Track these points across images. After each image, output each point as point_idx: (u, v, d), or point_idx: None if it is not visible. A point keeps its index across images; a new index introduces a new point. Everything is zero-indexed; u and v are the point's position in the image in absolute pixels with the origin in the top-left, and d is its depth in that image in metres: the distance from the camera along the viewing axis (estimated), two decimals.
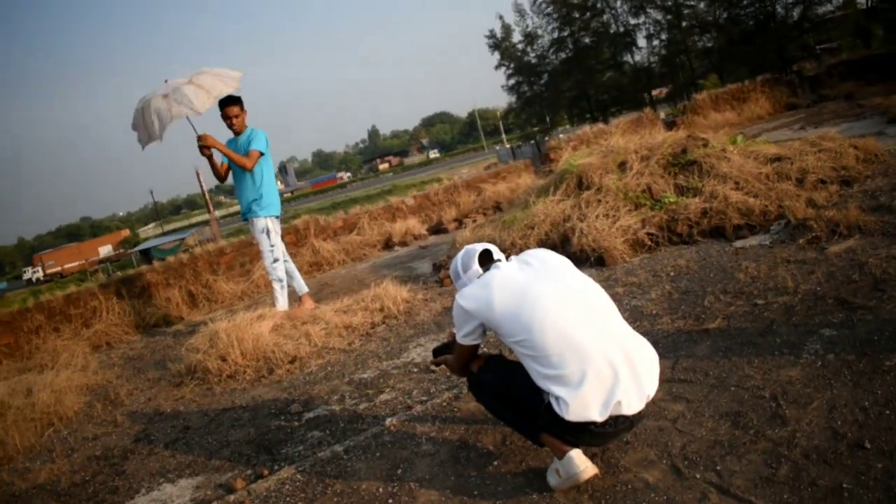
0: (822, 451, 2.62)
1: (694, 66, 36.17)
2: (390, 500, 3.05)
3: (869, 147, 7.43)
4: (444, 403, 3.99)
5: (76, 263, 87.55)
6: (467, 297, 2.84)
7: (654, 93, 39.16)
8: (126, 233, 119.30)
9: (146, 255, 44.92)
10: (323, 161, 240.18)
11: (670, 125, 16.80)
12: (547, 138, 33.00)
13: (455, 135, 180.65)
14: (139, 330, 9.36)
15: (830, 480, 2.44)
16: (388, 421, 3.90)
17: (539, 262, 2.85)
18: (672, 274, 5.46)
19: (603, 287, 2.86)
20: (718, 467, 2.67)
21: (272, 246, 6.94)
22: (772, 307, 4.17)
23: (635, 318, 4.67)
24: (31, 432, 5.44)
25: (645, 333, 3.44)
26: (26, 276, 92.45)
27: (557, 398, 2.57)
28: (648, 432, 3.06)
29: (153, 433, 4.93)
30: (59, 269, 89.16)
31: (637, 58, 37.43)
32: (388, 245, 11.79)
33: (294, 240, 11.25)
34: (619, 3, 36.15)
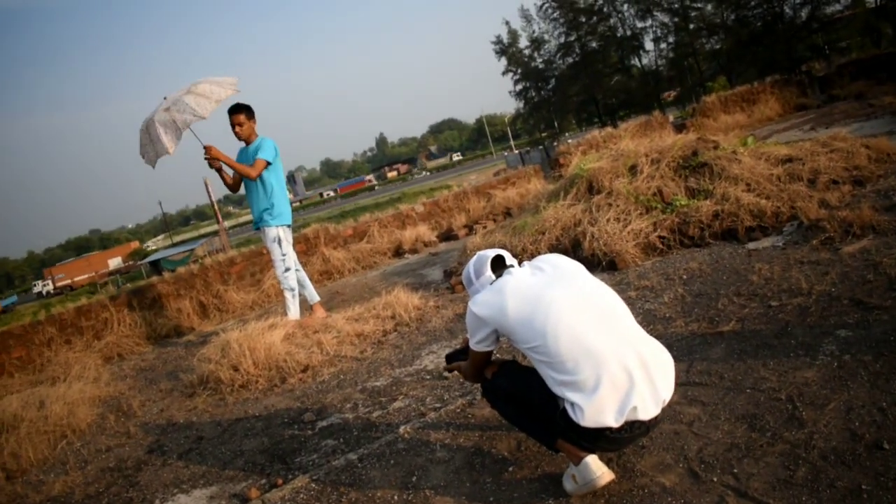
0: (841, 452, 2.60)
1: (702, 68, 36.13)
2: None
3: (881, 146, 7.39)
4: (458, 410, 3.97)
5: (86, 276, 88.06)
6: (480, 304, 2.82)
7: (663, 96, 39.09)
8: (135, 244, 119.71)
9: (156, 267, 45.09)
10: (331, 170, 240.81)
11: (680, 128, 16.77)
12: (555, 143, 33.02)
13: (463, 141, 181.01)
14: (151, 341, 9.38)
15: (849, 482, 2.42)
16: (401, 428, 3.89)
17: (552, 268, 2.83)
18: (685, 277, 5.43)
19: (615, 291, 2.84)
20: (735, 470, 2.65)
21: (284, 255, 6.94)
22: (786, 309, 4.14)
23: (648, 321, 4.64)
24: (45, 445, 5.45)
25: (658, 337, 3.42)
26: (36, 290, 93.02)
27: (573, 404, 2.55)
28: (664, 436, 3.04)
29: (166, 444, 4.92)
30: (69, 281, 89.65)
31: (645, 61, 37.50)
32: (398, 252, 11.79)
33: (304, 248, 11.27)
34: (625, 7, 36.24)
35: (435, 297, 7.18)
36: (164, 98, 7.04)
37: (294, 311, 6.96)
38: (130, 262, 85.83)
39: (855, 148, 7.30)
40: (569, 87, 39.25)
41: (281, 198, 7.02)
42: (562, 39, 39.05)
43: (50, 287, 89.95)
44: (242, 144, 7.04)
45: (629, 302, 5.08)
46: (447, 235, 12.30)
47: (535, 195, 9.74)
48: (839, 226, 5.33)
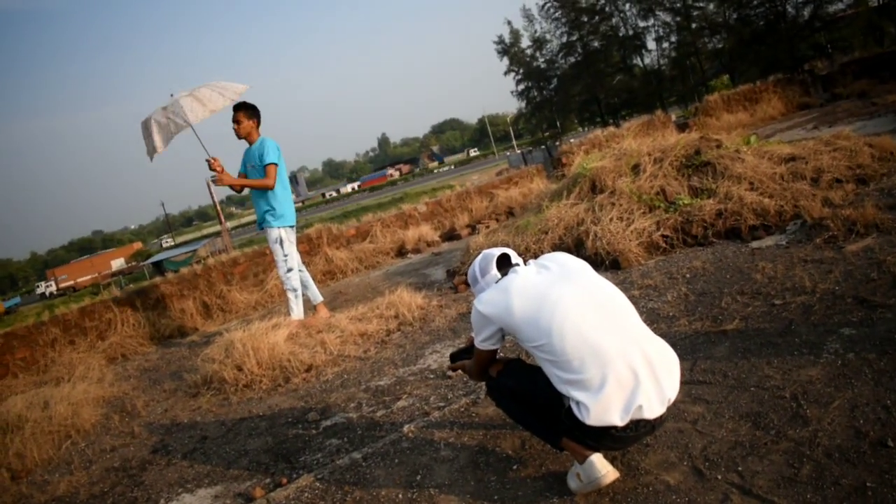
0: (845, 450, 2.60)
1: (704, 67, 36.10)
2: None
3: (884, 145, 7.38)
4: (462, 409, 3.98)
5: (89, 277, 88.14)
6: (486, 303, 2.82)
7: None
8: (138, 245, 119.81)
9: (158, 268, 45.11)
10: (333, 170, 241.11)
11: (682, 127, 16.77)
12: (558, 143, 33.02)
13: (465, 141, 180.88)
14: (154, 341, 9.39)
15: (854, 480, 2.42)
16: (405, 427, 3.89)
17: (558, 266, 2.83)
18: (688, 276, 5.43)
19: (619, 290, 2.84)
20: (740, 468, 2.65)
21: (286, 256, 6.95)
22: (790, 307, 4.14)
23: (652, 320, 4.64)
24: (49, 445, 5.46)
25: (662, 335, 3.42)
26: (39, 291, 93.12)
27: (578, 403, 2.55)
28: (669, 434, 3.04)
29: (171, 444, 4.93)
30: (71, 282, 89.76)
31: (647, 60, 37.46)
32: (401, 252, 11.79)
33: (307, 248, 11.27)
34: (627, 7, 36.19)
35: (438, 297, 7.18)
36: (171, 95, 7.14)
37: (297, 311, 6.96)
38: (133, 263, 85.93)
39: (858, 146, 7.29)
40: (571, 86, 39.25)
41: (283, 199, 7.03)
42: (564, 39, 39.09)
43: (53, 288, 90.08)
44: (246, 144, 7.05)
45: (633, 301, 5.04)
46: (450, 235, 12.30)
47: (537, 195, 9.74)
48: (843, 224, 5.33)
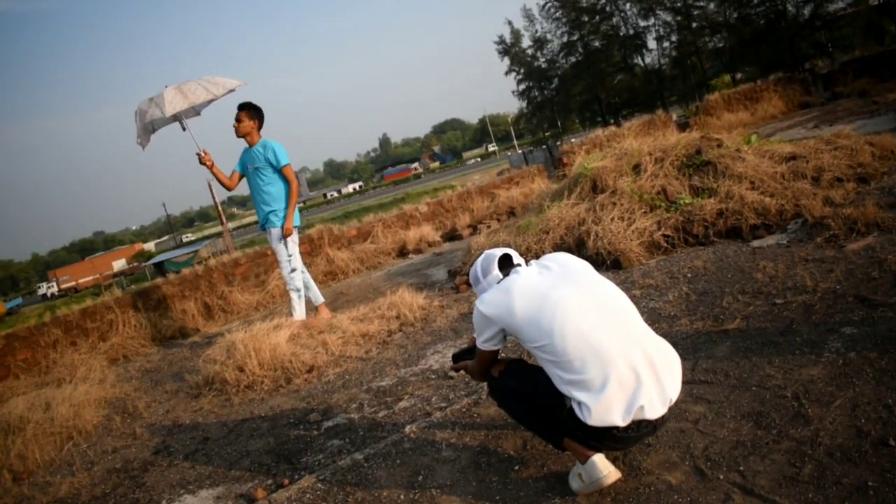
0: (847, 449, 2.60)
1: (705, 66, 36.09)
2: None
3: (885, 144, 7.38)
4: (464, 409, 3.98)
5: (90, 278, 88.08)
6: (487, 303, 2.82)
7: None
8: (139, 246, 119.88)
9: (160, 269, 45.10)
10: (335, 170, 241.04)
11: (683, 126, 16.77)
12: (559, 143, 33.01)
13: (466, 141, 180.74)
14: (156, 342, 9.40)
15: (855, 479, 2.42)
16: (407, 428, 3.89)
17: (559, 266, 2.83)
18: (689, 275, 5.43)
19: (620, 290, 2.84)
20: (742, 468, 2.65)
21: (290, 256, 6.96)
22: (791, 306, 4.14)
23: (653, 320, 4.64)
24: (51, 446, 5.46)
25: (663, 335, 3.41)
26: (41, 292, 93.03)
27: (580, 403, 2.55)
28: (670, 434, 3.04)
29: (172, 445, 4.93)
30: (73, 283, 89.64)
31: (648, 60, 37.43)
32: (402, 253, 11.79)
33: (308, 249, 11.27)
34: (628, 6, 36.18)
35: (439, 297, 7.19)
36: (165, 86, 7.25)
37: (299, 312, 6.97)
38: (135, 264, 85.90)
39: (859, 145, 7.29)
40: (572, 86, 39.26)
41: (287, 200, 7.05)
42: (564, 39, 39.07)
43: (54, 289, 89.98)
44: (245, 145, 7.08)
45: (634, 300, 5.03)
46: (451, 235, 12.30)
47: (538, 195, 9.75)
48: (843, 223, 5.33)
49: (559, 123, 44.16)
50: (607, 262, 6.41)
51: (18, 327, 9.50)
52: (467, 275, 4.30)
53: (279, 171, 6.94)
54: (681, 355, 2.78)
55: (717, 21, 32.72)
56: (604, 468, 2.66)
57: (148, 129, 7.36)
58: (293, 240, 6.99)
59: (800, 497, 2.40)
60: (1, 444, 5.45)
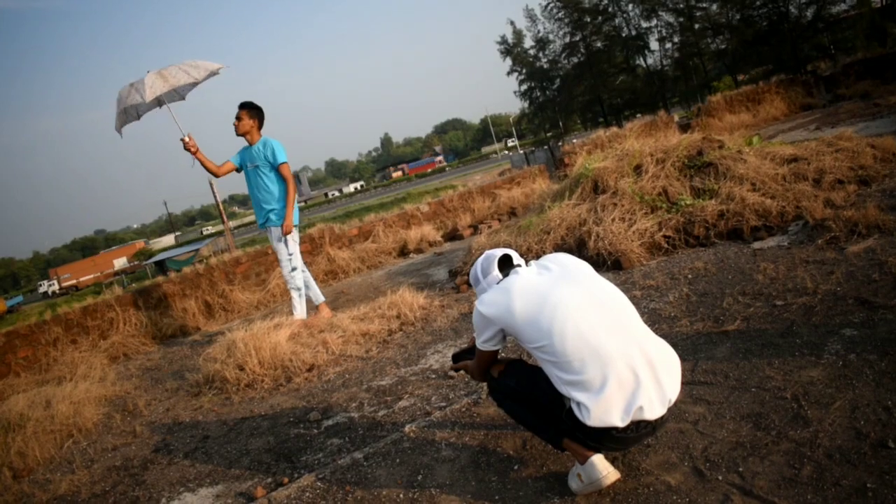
0: (846, 451, 2.60)
1: (707, 68, 36.04)
2: None
3: (887, 146, 7.38)
4: (463, 409, 3.98)
5: (91, 276, 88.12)
6: (487, 304, 2.82)
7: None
8: (140, 245, 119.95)
9: (161, 267, 45.12)
10: (336, 170, 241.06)
11: (685, 128, 16.77)
12: (560, 143, 33.00)
13: (468, 141, 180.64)
14: (156, 341, 9.40)
15: (854, 480, 2.42)
16: (407, 427, 3.90)
17: (559, 267, 2.83)
18: (690, 276, 5.43)
19: (620, 291, 2.84)
20: (741, 469, 2.65)
21: (290, 255, 6.97)
22: (791, 308, 4.14)
23: (653, 320, 4.65)
24: (51, 444, 5.47)
25: (663, 336, 3.42)
26: (42, 290, 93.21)
27: (579, 404, 2.55)
28: (669, 435, 3.04)
29: (172, 443, 4.94)
30: (74, 281, 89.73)
31: (650, 61, 37.33)
32: (403, 252, 11.80)
33: (309, 248, 11.28)
34: (630, 7, 36.09)
35: (440, 297, 7.19)
36: (147, 72, 7.26)
37: (300, 311, 6.98)
38: (136, 263, 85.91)
39: (860, 147, 7.28)
40: (574, 87, 39.15)
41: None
42: (567, 39, 38.90)
43: (55, 287, 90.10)
44: (245, 143, 7.09)
45: (634, 301, 5.07)
46: (452, 235, 12.31)
47: (540, 195, 9.75)
48: (844, 225, 5.33)
49: (561, 124, 44.06)
50: (608, 263, 6.41)
51: (19, 325, 9.51)
52: (468, 275, 4.30)
53: (281, 169, 6.95)
54: (681, 356, 2.79)
55: (720, 22, 32.64)
56: (603, 469, 2.66)
57: (130, 114, 7.35)
58: (293, 239, 7.00)
59: (798, 498, 2.41)
60: (1, 441, 5.46)
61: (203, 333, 9.20)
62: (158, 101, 7.38)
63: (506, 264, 3.00)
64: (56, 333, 9.25)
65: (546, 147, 39.71)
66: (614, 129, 16.76)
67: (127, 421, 5.83)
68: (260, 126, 7.07)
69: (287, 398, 5.26)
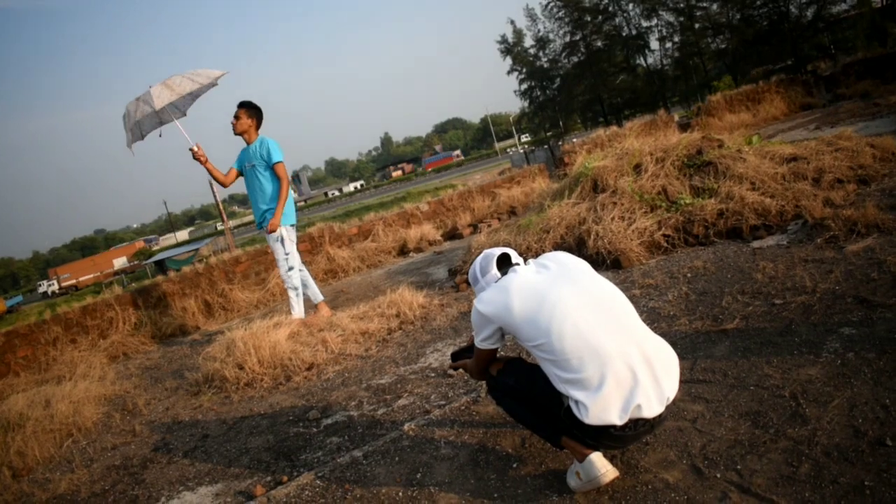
0: (844, 449, 2.60)
1: (707, 67, 36.04)
2: None
3: (886, 145, 7.38)
4: (462, 407, 3.98)
5: (91, 276, 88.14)
6: (485, 302, 2.83)
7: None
8: (140, 244, 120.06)
9: (161, 267, 45.12)
10: (336, 169, 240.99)
11: (685, 127, 16.76)
12: (560, 143, 33.01)
13: (468, 140, 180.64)
14: (156, 340, 9.41)
15: (852, 478, 2.42)
16: (406, 426, 3.90)
17: (557, 265, 2.83)
18: (689, 275, 5.43)
19: (620, 289, 2.84)
20: (739, 466, 2.66)
21: (287, 254, 6.97)
22: (790, 307, 4.14)
23: (653, 319, 4.65)
24: (51, 443, 5.48)
25: (663, 335, 3.43)
26: (41, 290, 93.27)
27: (577, 402, 2.56)
28: (668, 433, 3.04)
29: (172, 442, 4.94)
30: (74, 281, 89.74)
31: (650, 60, 37.32)
32: (403, 251, 11.81)
33: (309, 247, 11.29)
34: (630, 6, 36.08)
35: (440, 296, 7.19)
36: (150, 87, 7.30)
37: (298, 310, 6.98)
38: (136, 262, 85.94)
39: (860, 147, 7.29)
40: (574, 86, 39.13)
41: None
42: (567, 39, 38.86)
43: (55, 287, 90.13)
44: (243, 144, 7.11)
45: (633, 300, 5.09)
46: (452, 234, 12.32)
47: (539, 194, 9.76)
48: (844, 224, 5.33)
49: (561, 123, 44.06)
50: (607, 262, 6.41)
51: (19, 324, 9.53)
52: (467, 274, 4.31)
53: (276, 169, 6.96)
54: (679, 354, 2.79)
55: (720, 22, 32.64)
56: (601, 466, 2.66)
57: (136, 131, 7.39)
58: (290, 238, 7.01)
59: (796, 496, 2.41)
60: (1, 440, 5.46)
61: (202, 332, 9.21)
62: (160, 121, 7.46)
63: (504, 263, 3.00)
64: (55, 333, 9.27)
65: (546, 146, 39.70)
66: (614, 128, 16.75)
67: (126, 420, 5.84)
68: (258, 126, 7.08)
69: (286, 397, 5.26)
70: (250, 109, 7.03)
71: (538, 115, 44.24)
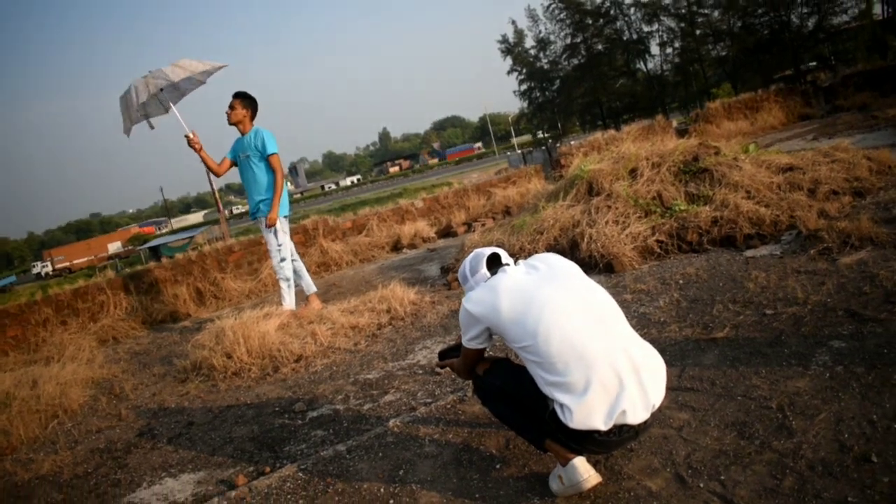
0: (828, 463, 2.59)
1: (707, 74, 36.10)
2: (391, 501, 3.03)
3: (882, 158, 7.39)
4: (449, 406, 3.97)
5: (85, 259, 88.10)
6: (474, 301, 2.81)
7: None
8: (135, 229, 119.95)
9: (155, 253, 45.06)
10: (333, 163, 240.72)
11: (682, 133, 16.79)
12: (558, 144, 33.03)
13: (466, 139, 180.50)
14: (146, 325, 9.39)
15: (835, 493, 2.41)
16: (391, 422, 3.89)
17: (546, 267, 2.82)
18: (681, 282, 5.43)
19: (611, 294, 2.83)
20: (722, 477, 2.65)
21: (279, 245, 6.96)
22: (781, 317, 4.14)
23: (643, 325, 4.64)
24: (36, 424, 5.46)
25: (652, 341, 3.40)
26: (35, 271, 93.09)
27: (562, 405, 2.54)
28: (653, 440, 3.04)
29: (157, 428, 4.93)
30: (67, 264, 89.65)
31: (650, 65, 37.38)
32: (396, 247, 11.80)
33: (303, 240, 11.27)
34: (632, 11, 36.17)
35: (431, 293, 7.18)
36: (149, 71, 7.30)
37: (289, 301, 6.97)
38: (130, 247, 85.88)
39: (856, 159, 7.29)
40: (573, 88, 39.22)
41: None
42: (568, 41, 38.95)
43: (49, 268, 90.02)
44: (238, 134, 7.09)
45: (624, 305, 5.08)
46: (446, 232, 12.31)
47: (534, 195, 9.74)
48: (837, 236, 5.33)
49: (560, 125, 44.13)
50: (600, 266, 6.40)
51: (9, 304, 9.50)
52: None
53: (270, 160, 6.94)
54: (668, 362, 2.78)
55: (721, 29, 32.73)
56: (584, 471, 2.65)
57: (138, 112, 7.32)
58: (283, 229, 7.00)
59: None
60: None
61: (193, 320, 9.19)
62: (165, 108, 7.45)
63: (494, 263, 2.99)
64: (46, 314, 9.24)
65: (544, 147, 39.69)
66: (612, 131, 16.77)
67: (113, 404, 5.82)
68: (253, 116, 7.07)
69: (273, 388, 5.25)
70: (245, 100, 7.01)
71: (537, 116, 44.33)
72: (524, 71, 42.10)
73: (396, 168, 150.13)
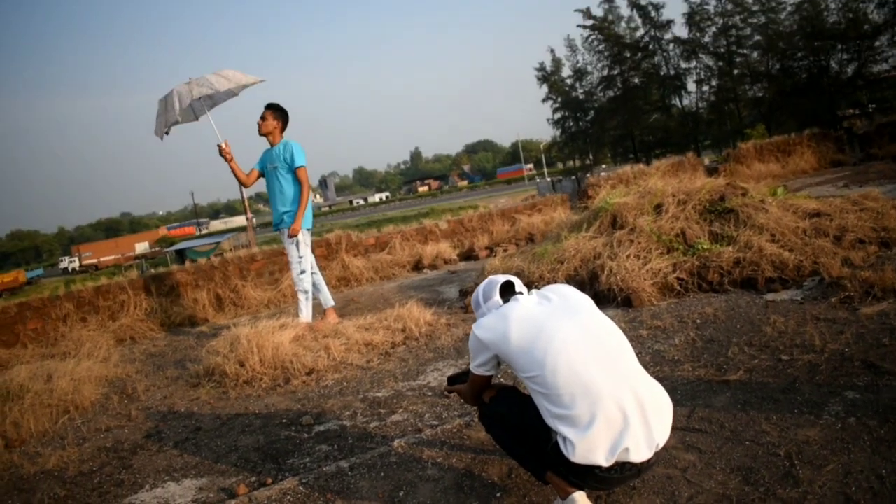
0: None
1: (742, 114, 35.91)
2: None
3: None
4: (455, 430, 3.96)
5: (112, 257, 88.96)
6: (484, 328, 2.81)
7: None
8: (163, 231, 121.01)
9: (181, 256, 45.42)
10: (364, 179, 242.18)
11: (712, 171, 16.68)
12: (588, 175, 32.98)
13: (497, 164, 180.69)
14: (164, 328, 9.47)
15: None
16: (396, 442, 3.88)
17: (559, 298, 2.81)
18: (698, 321, 5.39)
19: (627, 329, 2.82)
20: None
21: (300, 257, 6.99)
22: (796, 364, 4.09)
23: (656, 362, 4.61)
24: (47, 418, 5.52)
25: (664, 379, 3.39)
26: (62, 265, 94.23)
27: (565, 438, 2.53)
28: (656, 480, 3.00)
29: (164, 431, 4.95)
30: (95, 261, 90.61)
31: (686, 101, 37.23)
32: (417, 267, 11.82)
33: (325, 253, 11.32)
34: (671, 46, 36.05)
35: (448, 315, 7.17)
36: (189, 78, 7.36)
37: (306, 314, 6.99)
38: (157, 248, 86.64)
39: (885, 209, 7.21)
40: (607, 120, 39.14)
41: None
42: (605, 72, 38.91)
43: (76, 264, 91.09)
44: (267, 145, 7.17)
45: (640, 340, 5.05)
46: (468, 255, 12.32)
47: (559, 224, 9.73)
48: (860, 286, 5.27)
49: (591, 156, 44.06)
50: (618, 300, 6.36)
51: (32, 297, 9.64)
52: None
53: (298, 173, 7.00)
54: (678, 401, 2.76)
55: (759, 70, 32.59)
56: None
57: (178, 116, 7.39)
58: (305, 242, 7.04)
59: None
60: None
61: (211, 326, 9.25)
62: (195, 115, 7.54)
63: (508, 291, 2.99)
64: (67, 309, 9.35)
65: (574, 177, 39.65)
66: (641, 165, 16.72)
67: (124, 404, 5.86)
68: (283, 128, 7.14)
69: (283, 399, 5.26)
70: (277, 111, 7.09)
71: (569, 146, 44.25)
72: (559, 100, 42.11)
73: (426, 188, 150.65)
